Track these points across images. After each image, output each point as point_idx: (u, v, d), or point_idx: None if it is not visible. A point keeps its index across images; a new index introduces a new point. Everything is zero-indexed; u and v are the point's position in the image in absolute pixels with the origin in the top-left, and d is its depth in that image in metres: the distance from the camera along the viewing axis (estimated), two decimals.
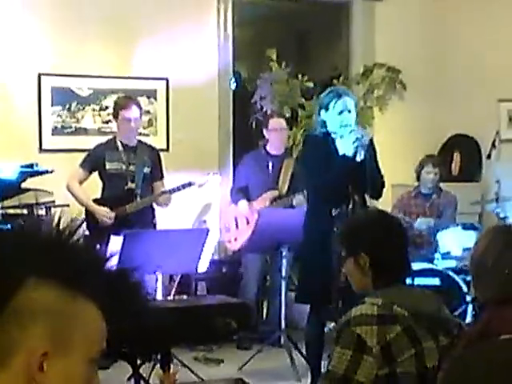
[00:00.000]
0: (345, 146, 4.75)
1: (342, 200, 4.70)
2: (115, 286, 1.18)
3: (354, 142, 4.70)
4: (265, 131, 6.57)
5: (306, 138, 5.33)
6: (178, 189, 5.90)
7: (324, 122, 4.88)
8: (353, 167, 4.68)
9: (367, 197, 4.95)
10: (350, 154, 4.71)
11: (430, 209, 6.75)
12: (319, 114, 4.91)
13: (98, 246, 1.23)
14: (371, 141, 4.89)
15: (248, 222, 6.40)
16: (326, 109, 4.85)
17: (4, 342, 1.09)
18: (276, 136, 6.50)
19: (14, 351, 1.09)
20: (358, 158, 4.69)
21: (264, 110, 7.20)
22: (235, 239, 6.45)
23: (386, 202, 6.38)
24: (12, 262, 1.11)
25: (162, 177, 6.11)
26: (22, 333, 1.09)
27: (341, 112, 4.80)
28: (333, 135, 4.86)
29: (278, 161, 6.54)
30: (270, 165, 6.53)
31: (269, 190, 6.46)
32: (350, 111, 4.82)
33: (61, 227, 1.17)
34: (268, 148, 6.58)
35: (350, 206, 4.72)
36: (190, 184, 5.92)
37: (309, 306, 5.01)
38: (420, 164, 6.78)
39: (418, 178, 6.79)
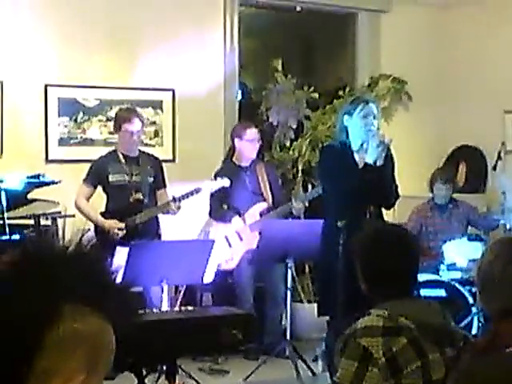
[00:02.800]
0: (368, 152, 4.74)
1: (358, 211, 4.69)
2: (123, 301, 1.19)
3: (378, 146, 4.70)
4: (237, 141, 6.40)
5: (323, 149, 5.28)
6: (187, 195, 5.86)
7: (346, 129, 4.86)
8: (372, 176, 4.68)
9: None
10: (372, 159, 4.71)
11: (449, 220, 6.78)
12: (342, 121, 4.88)
13: (108, 259, 1.23)
14: (389, 151, 4.89)
15: (241, 239, 6.34)
16: (350, 114, 4.82)
17: (43, 369, 1.09)
18: (250, 147, 6.36)
19: (51, 377, 1.10)
20: (379, 163, 4.70)
21: (270, 120, 7.21)
22: (231, 258, 6.36)
23: (389, 214, 6.38)
24: (46, 290, 1.11)
25: (164, 185, 6.11)
26: (61, 360, 1.10)
27: (366, 116, 4.78)
28: (352, 146, 4.83)
29: (252, 171, 6.42)
30: (246, 178, 6.40)
31: (251, 202, 6.34)
32: (374, 117, 4.82)
33: (81, 246, 1.17)
34: (236, 159, 6.44)
35: (367, 218, 4.71)
36: (198, 190, 5.89)
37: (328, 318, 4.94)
38: (431, 178, 6.83)
39: (432, 190, 6.85)
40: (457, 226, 6.77)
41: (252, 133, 6.40)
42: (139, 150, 6.07)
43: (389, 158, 4.84)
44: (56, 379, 1.09)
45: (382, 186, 4.77)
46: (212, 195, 6.30)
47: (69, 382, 1.09)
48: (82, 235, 1.19)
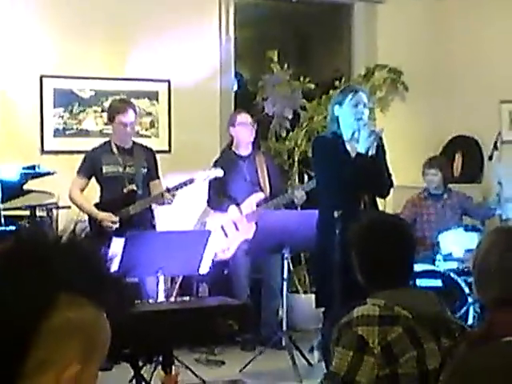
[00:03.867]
0: (360, 142, 4.72)
1: (353, 201, 4.68)
2: (118, 291, 1.19)
3: (369, 136, 4.68)
4: (231, 129, 6.43)
5: (315, 140, 5.24)
6: (181, 186, 5.86)
7: (337, 119, 4.84)
8: (365, 165, 4.67)
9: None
10: (364, 148, 4.69)
11: (443, 209, 6.78)
12: (333, 111, 4.86)
13: (103, 249, 1.23)
14: (381, 139, 4.88)
15: (237, 229, 6.34)
16: (341, 104, 4.80)
17: (38, 359, 1.09)
18: (245, 131, 6.36)
19: (46, 367, 1.09)
20: (370, 153, 4.69)
21: (266, 111, 7.20)
22: (227, 248, 6.36)
23: (384, 203, 6.38)
24: (41, 279, 1.11)
25: (157, 177, 6.11)
26: (56, 350, 1.10)
27: (356, 105, 4.75)
28: (344, 135, 4.82)
29: (251, 161, 6.42)
30: (244, 167, 6.41)
31: (249, 192, 6.35)
32: (364, 106, 4.79)
33: (75, 235, 1.17)
34: (235, 148, 6.45)
35: (362, 207, 4.71)
36: (192, 180, 5.89)
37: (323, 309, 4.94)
38: (423, 166, 6.87)
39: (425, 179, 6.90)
40: (451, 215, 6.77)
41: (242, 116, 6.41)
42: (133, 141, 6.06)
43: (380, 148, 4.84)
44: (51, 369, 1.09)
45: (376, 175, 4.76)
46: (210, 184, 6.30)
47: (64, 371, 1.10)
48: (76, 224, 1.18)
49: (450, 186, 6.99)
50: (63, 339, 1.10)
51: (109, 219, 5.82)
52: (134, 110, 5.98)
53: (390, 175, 4.96)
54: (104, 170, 5.91)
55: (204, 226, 6.46)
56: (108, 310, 1.15)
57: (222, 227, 6.30)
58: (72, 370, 1.10)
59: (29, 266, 1.12)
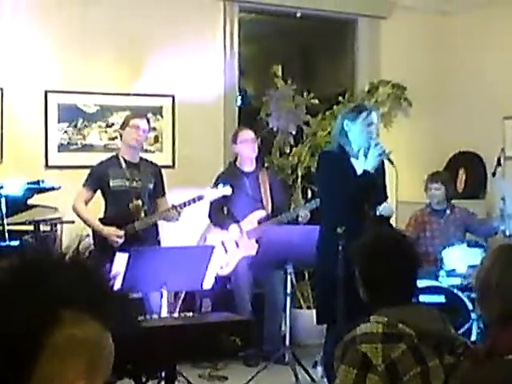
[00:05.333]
0: (369, 160, 4.79)
1: (356, 217, 4.70)
2: (122, 307, 1.19)
3: (380, 155, 4.79)
4: (234, 147, 6.49)
5: (321, 155, 5.27)
6: (189, 203, 5.86)
7: (346, 134, 4.87)
8: (370, 182, 4.72)
9: None
10: (371, 167, 4.76)
11: (446, 225, 6.77)
12: (342, 125, 4.89)
13: (106, 265, 1.24)
14: (383, 160, 4.95)
15: (238, 246, 6.34)
16: (353, 120, 4.84)
17: (42, 375, 1.10)
18: (247, 147, 6.39)
19: (50, 383, 1.10)
20: (372, 170, 4.75)
21: (270, 126, 7.22)
22: (226, 264, 6.37)
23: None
24: (45, 296, 1.12)
25: (164, 193, 6.10)
26: (60, 366, 1.11)
27: (369, 124, 4.84)
28: (352, 150, 4.86)
29: (254, 178, 6.44)
30: (247, 183, 6.43)
31: (250, 208, 6.36)
32: (375, 125, 4.90)
33: (79, 252, 1.18)
34: (239, 164, 6.49)
35: (365, 223, 4.73)
36: (200, 197, 5.89)
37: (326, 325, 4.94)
38: (425, 182, 6.87)
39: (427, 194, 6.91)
40: (453, 231, 6.76)
41: (244, 134, 6.45)
42: (140, 157, 6.06)
43: (381, 166, 4.93)
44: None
45: (380, 194, 4.83)
46: (212, 200, 6.30)
47: None
48: (80, 241, 1.19)
49: (454, 201, 6.99)
50: (67, 356, 1.11)
51: (114, 234, 5.80)
52: (148, 122, 6.05)
53: (386, 195, 5.03)
54: (111, 184, 5.89)
55: (205, 241, 6.46)
56: (111, 326, 1.16)
57: (223, 243, 6.31)
58: None
59: (33, 283, 1.12)
